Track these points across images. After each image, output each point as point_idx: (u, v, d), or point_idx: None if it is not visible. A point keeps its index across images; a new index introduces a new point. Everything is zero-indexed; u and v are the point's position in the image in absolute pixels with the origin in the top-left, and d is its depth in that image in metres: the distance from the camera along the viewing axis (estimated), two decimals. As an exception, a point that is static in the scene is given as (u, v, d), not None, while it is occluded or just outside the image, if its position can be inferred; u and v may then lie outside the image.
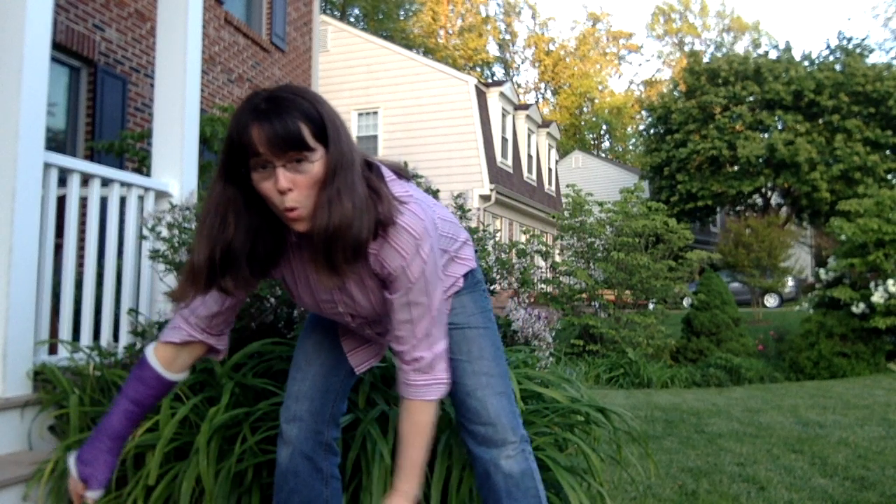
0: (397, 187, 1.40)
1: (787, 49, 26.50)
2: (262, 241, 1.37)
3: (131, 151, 5.48)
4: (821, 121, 24.68)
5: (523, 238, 12.30)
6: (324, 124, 1.27)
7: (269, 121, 1.22)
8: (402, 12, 36.96)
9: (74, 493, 1.46)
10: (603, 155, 41.71)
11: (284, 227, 1.38)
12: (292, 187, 1.24)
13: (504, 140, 17.54)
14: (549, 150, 21.27)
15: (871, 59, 26.17)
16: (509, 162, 17.74)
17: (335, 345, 1.72)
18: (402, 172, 1.51)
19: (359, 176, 1.30)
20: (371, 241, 1.32)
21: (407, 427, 1.45)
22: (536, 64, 46.22)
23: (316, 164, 1.26)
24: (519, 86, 45.04)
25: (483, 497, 1.70)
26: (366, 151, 1.42)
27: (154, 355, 1.51)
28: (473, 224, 3.20)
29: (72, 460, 1.47)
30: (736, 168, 25.53)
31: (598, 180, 27.21)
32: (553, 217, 12.73)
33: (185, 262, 1.39)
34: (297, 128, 1.23)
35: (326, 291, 1.49)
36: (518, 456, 1.66)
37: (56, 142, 6.02)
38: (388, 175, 1.43)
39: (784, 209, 26.61)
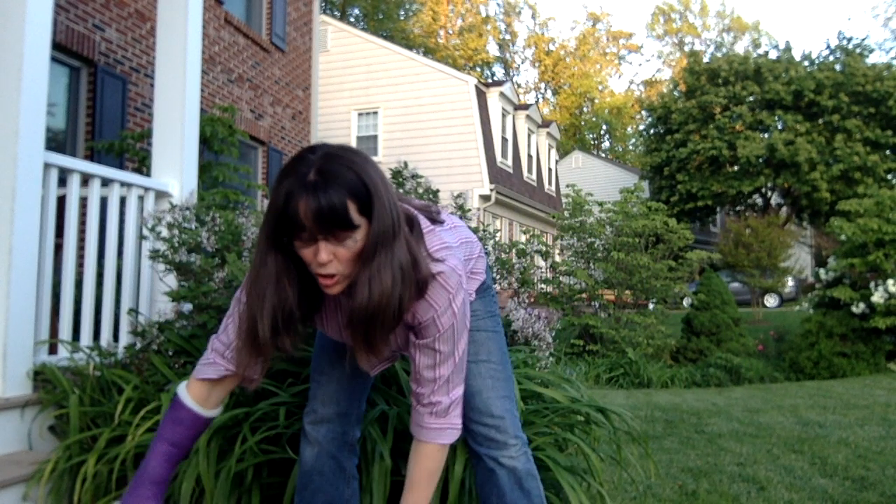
0: (433, 240, 1.40)
1: (787, 49, 26.50)
2: (308, 299, 1.39)
3: (131, 151, 5.48)
4: (821, 121, 24.67)
5: (523, 238, 12.29)
6: (370, 199, 1.24)
7: (316, 196, 1.20)
8: (402, 12, 36.96)
9: None
10: (603, 155, 41.70)
11: None
12: (332, 259, 1.25)
13: (504, 140, 17.54)
14: (549, 150, 21.27)
15: (871, 59, 26.19)
16: (509, 162, 17.74)
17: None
18: (432, 215, 1.50)
19: (401, 245, 1.29)
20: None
21: (416, 471, 1.47)
22: (536, 64, 46.23)
23: (359, 239, 1.25)
24: (519, 86, 45.05)
25: (484, 497, 1.71)
26: (405, 207, 1.39)
27: (188, 394, 1.50)
28: (473, 224, 3.20)
29: None
30: (736, 168, 25.53)
31: (598, 180, 27.21)
32: (553, 217, 12.73)
33: (243, 335, 1.38)
34: (343, 207, 1.20)
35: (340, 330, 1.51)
36: (521, 457, 1.69)
37: (56, 142, 6.02)
38: (426, 226, 1.42)
39: (784, 209, 26.61)
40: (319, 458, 1.70)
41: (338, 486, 1.71)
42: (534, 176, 19.63)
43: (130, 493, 1.46)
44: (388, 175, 3.63)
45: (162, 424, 1.50)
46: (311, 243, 1.24)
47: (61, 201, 2.75)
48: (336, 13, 32.52)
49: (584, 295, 10.87)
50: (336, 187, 1.20)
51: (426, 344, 1.41)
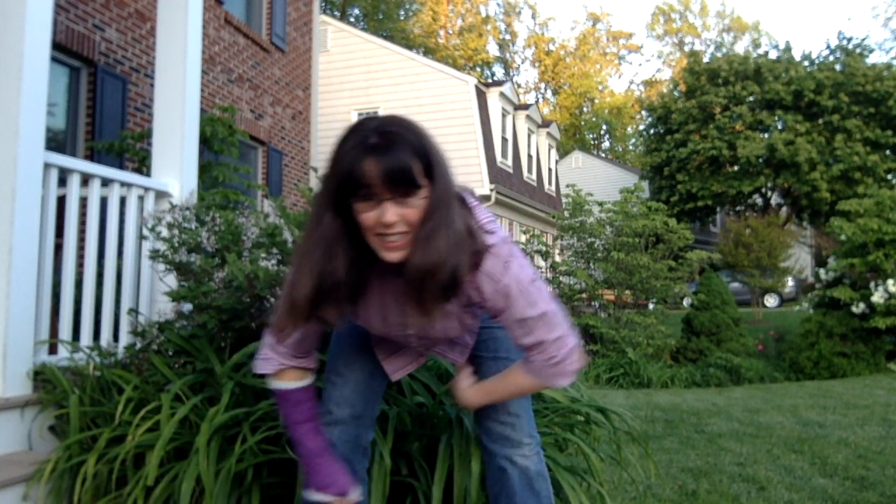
0: (481, 214, 1.42)
1: (787, 49, 26.49)
2: (358, 271, 1.37)
3: (131, 151, 5.48)
4: (821, 121, 24.66)
5: (523, 238, 12.28)
6: (430, 161, 1.28)
7: (383, 156, 1.23)
8: (402, 12, 36.96)
9: None
10: (603, 155, 41.69)
11: (372, 257, 1.36)
12: (398, 220, 1.26)
13: (504, 140, 17.54)
14: (549, 150, 21.26)
15: (871, 59, 26.14)
16: (509, 162, 17.73)
17: (372, 350, 1.73)
18: (467, 196, 1.52)
19: (457, 212, 1.32)
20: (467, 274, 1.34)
21: (509, 379, 1.55)
22: (536, 64, 46.22)
23: (420, 201, 1.27)
24: (519, 86, 45.04)
25: (494, 495, 1.71)
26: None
27: (282, 382, 1.57)
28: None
29: (317, 497, 1.53)
30: (736, 168, 25.52)
31: (598, 180, 27.19)
32: (553, 217, 12.73)
33: (284, 297, 1.40)
34: (409, 164, 1.24)
35: (398, 315, 1.49)
36: (534, 457, 1.70)
37: (56, 142, 6.02)
38: (472, 202, 1.44)
39: (784, 209, 26.60)
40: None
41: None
42: (534, 176, 19.63)
43: (311, 476, 1.55)
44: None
45: (286, 415, 1.58)
46: (375, 206, 1.25)
47: (61, 201, 2.75)
48: (336, 13, 32.52)
49: (584, 295, 10.88)
50: (401, 147, 1.24)
51: (508, 318, 1.42)
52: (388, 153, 1.23)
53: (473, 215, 1.39)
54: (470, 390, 1.65)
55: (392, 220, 1.25)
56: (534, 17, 53.44)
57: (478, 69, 40.11)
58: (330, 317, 1.39)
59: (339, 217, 1.29)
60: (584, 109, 45.49)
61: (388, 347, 1.70)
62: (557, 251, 12.39)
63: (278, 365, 1.54)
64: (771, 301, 20.48)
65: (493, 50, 43.66)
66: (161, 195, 3.20)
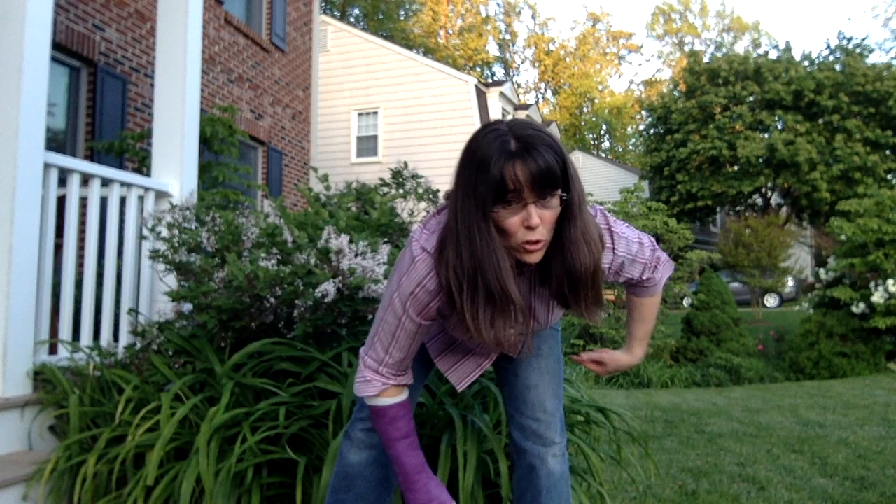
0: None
1: (787, 49, 26.48)
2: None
3: (131, 151, 5.48)
4: (821, 121, 24.65)
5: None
6: (566, 163, 1.30)
7: (532, 160, 1.25)
8: (402, 12, 36.95)
9: None
10: (603, 155, 41.69)
11: None
12: (541, 223, 1.28)
13: (504, 140, 17.54)
14: (549, 150, 21.26)
15: (871, 59, 26.16)
16: (509, 162, 17.74)
17: (416, 357, 1.68)
18: None
19: (588, 212, 1.39)
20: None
21: (647, 308, 1.74)
22: (536, 64, 46.21)
23: (557, 199, 1.30)
24: (519, 86, 45.04)
25: (519, 491, 1.72)
26: None
27: (383, 398, 1.54)
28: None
29: None
30: (736, 168, 25.51)
31: (598, 180, 27.19)
32: (553, 217, 12.72)
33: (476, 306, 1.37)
34: (554, 166, 1.27)
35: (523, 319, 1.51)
36: (562, 457, 1.71)
37: (56, 142, 6.02)
38: None
39: (784, 209, 26.59)
40: (368, 464, 1.70)
41: (380, 495, 1.73)
42: (534, 176, 19.64)
43: (413, 492, 1.53)
44: (387, 175, 3.62)
45: (383, 432, 1.55)
46: (520, 210, 1.28)
47: (61, 201, 2.75)
48: (336, 13, 32.52)
49: (584, 295, 10.87)
50: (543, 149, 1.27)
51: (631, 273, 1.58)
52: (533, 156, 1.25)
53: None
54: (630, 347, 1.82)
55: (537, 222, 1.27)
56: (534, 17, 53.42)
57: (478, 69, 40.11)
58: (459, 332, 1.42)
59: (491, 222, 1.29)
60: (584, 109, 45.48)
61: (452, 358, 1.69)
62: (557, 251, 12.39)
63: (381, 386, 1.53)
64: (771, 301, 20.48)
65: (493, 50, 43.68)
66: (161, 195, 3.20)
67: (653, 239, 1.63)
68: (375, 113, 16.69)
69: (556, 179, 1.27)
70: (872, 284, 8.78)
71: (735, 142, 24.54)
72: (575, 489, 2.06)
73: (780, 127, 25.15)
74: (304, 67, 10.28)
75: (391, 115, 16.54)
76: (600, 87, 45.74)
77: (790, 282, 20.36)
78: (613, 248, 1.50)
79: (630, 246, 1.54)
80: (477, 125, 15.90)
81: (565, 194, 1.31)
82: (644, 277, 1.62)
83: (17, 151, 2.43)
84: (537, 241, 1.30)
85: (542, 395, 1.69)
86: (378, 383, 1.52)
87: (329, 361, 2.30)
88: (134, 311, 2.92)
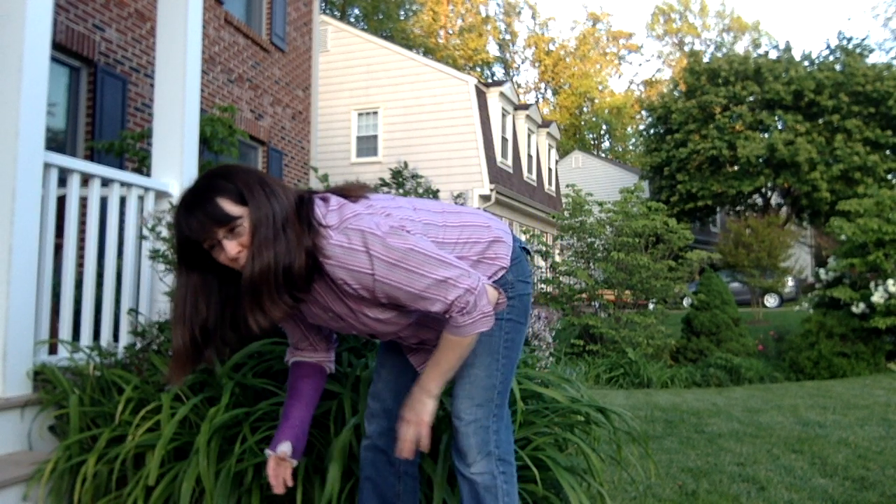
0: (331, 218, 1.48)
1: (787, 49, 26.49)
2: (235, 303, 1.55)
3: (131, 151, 5.48)
4: (821, 121, 24.66)
5: (523, 238, 12.29)
6: (240, 191, 1.46)
7: (197, 210, 1.44)
8: (402, 12, 36.95)
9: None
10: (603, 155, 41.69)
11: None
12: (240, 248, 1.45)
13: (504, 140, 17.54)
14: (549, 150, 21.26)
15: (871, 59, 26.14)
16: (509, 162, 17.73)
17: (400, 349, 1.84)
18: (350, 193, 1.58)
19: (282, 223, 1.46)
20: (306, 269, 1.48)
21: (446, 341, 1.55)
22: (536, 64, 46.21)
23: (246, 222, 1.45)
24: (519, 86, 45.04)
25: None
26: (302, 192, 1.56)
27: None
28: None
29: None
30: (736, 168, 25.52)
31: (598, 180, 27.19)
32: (553, 217, 12.73)
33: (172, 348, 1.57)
34: (217, 206, 1.44)
35: (323, 312, 1.63)
36: (487, 474, 1.64)
37: (56, 142, 6.02)
38: (332, 204, 1.53)
39: (784, 209, 26.60)
40: (369, 449, 1.83)
41: (386, 479, 1.82)
42: (534, 176, 19.63)
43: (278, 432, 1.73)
44: (388, 175, 3.63)
45: (288, 384, 1.81)
46: (220, 248, 1.46)
47: (61, 201, 2.75)
48: (336, 13, 32.51)
49: (584, 295, 10.87)
50: (207, 195, 1.45)
51: (380, 292, 1.50)
52: (198, 209, 1.43)
53: (313, 217, 1.48)
54: (422, 382, 1.60)
55: (233, 253, 1.45)
56: (534, 17, 53.44)
57: (478, 69, 40.10)
58: (210, 356, 1.60)
59: (193, 272, 1.51)
60: (584, 109, 45.48)
61: (406, 347, 1.81)
62: (557, 251, 12.39)
63: (290, 357, 1.80)
64: (771, 301, 20.48)
65: (493, 50, 43.68)
66: (161, 195, 3.20)
67: (458, 275, 1.49)
68: (375, 113, 16.68)
69: (223, 216, 1.44)
70: (872, 284, 8.78)
71: (735, 142, 24.56)
72: (575, 489, 2.06)
73: (780, 127, 25.16)
74: (304, 67, 10.28)
75: (391, 115, 16.54)
76: (600, 87, 45.74)
77: (790, 282, 20.37)
78: (329, 262, 1.50)
79: (380, 262, 1.47)
80: (477, 125, 15.95)
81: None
82: (434, 311, 1.51)
83: (17, 151, 2.43)
84: (243, 261, 1.49)
85: (459, 405, 1.65)
86: (289, 356, 1.80)
87: (329, 361, 2.30)
88: (134, 311, 2.92)
